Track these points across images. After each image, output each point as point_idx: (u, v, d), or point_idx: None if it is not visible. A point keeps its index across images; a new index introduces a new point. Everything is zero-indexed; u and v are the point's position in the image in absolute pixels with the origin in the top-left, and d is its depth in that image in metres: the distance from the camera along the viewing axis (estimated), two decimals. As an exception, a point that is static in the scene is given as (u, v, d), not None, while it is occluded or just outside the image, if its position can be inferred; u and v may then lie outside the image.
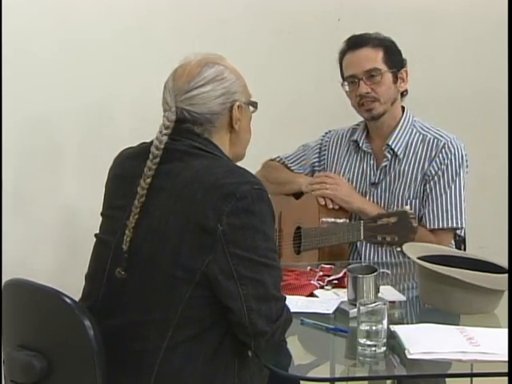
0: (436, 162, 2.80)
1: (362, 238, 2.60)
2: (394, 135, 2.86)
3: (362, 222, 2.61)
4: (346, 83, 2.85)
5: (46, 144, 3.41)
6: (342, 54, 2.87)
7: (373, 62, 2.80)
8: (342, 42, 2.87)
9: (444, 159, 2.80)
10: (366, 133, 2.94)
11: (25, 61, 3.29)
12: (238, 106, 1.99)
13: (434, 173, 2.80)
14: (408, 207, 2.52)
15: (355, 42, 2.84)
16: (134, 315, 1.88)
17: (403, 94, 2.89)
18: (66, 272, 3.11)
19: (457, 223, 2.79)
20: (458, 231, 2.83)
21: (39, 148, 3.39)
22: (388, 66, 2.81)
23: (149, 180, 1.88)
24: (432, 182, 2.80)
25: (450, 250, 2.66)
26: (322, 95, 3.73)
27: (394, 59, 2.83)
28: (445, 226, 2.78)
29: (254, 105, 2.07)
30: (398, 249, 2.54)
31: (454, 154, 2.80)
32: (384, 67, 2.80)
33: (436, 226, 2.78)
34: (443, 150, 2.80)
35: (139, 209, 1.88)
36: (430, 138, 2.84)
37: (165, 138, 1.90)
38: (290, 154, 3.12)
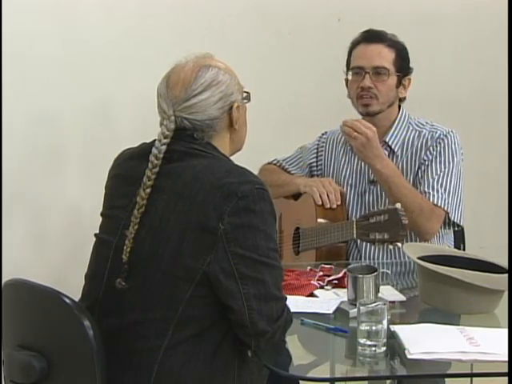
0: (430, 150, 2.83)
1: (355, 236, 2.60)
2: (391, 132, 2.87)
3: (354, 220, 2.61)
4: (350, 72, 2.85)
5: (47, 144, 3.40)
6: (355, 45, 2.88)
7: (383, 60, 2.82)
8: (358, 33, 2.87)
9: (437, 147, 2.82)
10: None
11: (26, 61, 3.28)
12: (237, 107, 1.99)
13: (426, 159, 2.82)
14: (399, 204, 2.51)
15: (371, 36, 2.85)
16: (134, 314, 1.88)
17: (401, 99, 2.90)
18: (66, 272, 3.11)
19: (442, 203, 2.76)
20: (452, 217, 2.79)
21: (40, 148, 3.38)
22: (396, 68, 2.83)
23: (148, 190, 1.88)
24: (423, 167, 2.82)
25: (450, 249, 2.66)
26: (322, 95, 3.73)
27: (403, 64, 2.85)
28: (434, 202, 2.75)
29: (248, 97, 2.07)
30: (391, 246, 2.54)
31: (448, 143, 2.82)
32: (392, 68, 2.82)
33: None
34: (438, 140, 2.83)
35: (139, 219, 1.88)
36: (425, 133, 2.86)
37: (164, 148, 1.90)
38: (287, 156, 3.12)
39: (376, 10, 3.74)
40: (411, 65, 2.89)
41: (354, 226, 2.59)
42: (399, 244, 2.50)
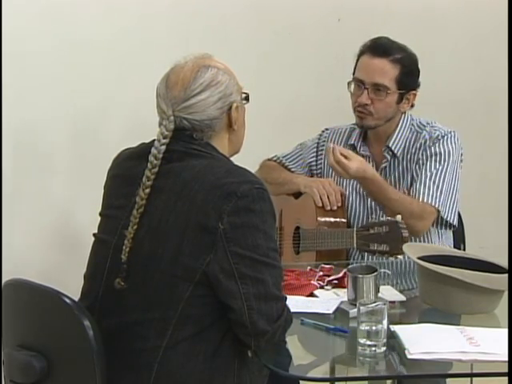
0: (426, 149, 2.82)
1: (355, 246, 2.60)
2: (394, 137, 2.86)
3: (354, 229, 2.61)
4: (353, 82, 2.83)
5: (42, 145, 3.40)
6: (362, 52, 2.82)
7: (384, 78, 2.76)
8: (369, 40, 2.82)
9: (433, 146, 2.82)
10: (364, 135, 2.93)
11: (20, 62, 3.27)
12: (236, 107, 1.99)
13: (421, 157, 2.82)
14: (399, 217, 2.50)
15: (378, 48, 2.78)
16: (134, 314, 1.88)
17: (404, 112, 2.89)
18: (66, 272, 3.11)
19: (432, 201, 2.75)
20: (443, 215, 2.79)
21: (36, 149, 3.38)
22: (398, 86, 2.78)
23: (147, 190, 1.89)
24: (417, 166, 2.82)
25: (450, 250, 2.66)
26: (322, 95, 3.72)
27: (407, 80, 2.79)
28: (424, 200, 2.75)
29: (247, 98, 2.06)
30: (391, 258, 2.53)
31: (444, 143, 2.81)
32: (393, 87, 2.77)
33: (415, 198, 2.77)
34: (435, 140, 2.82)
35: (138, 219, 1.88)
36: (425, 134, 2.86)
37: (163, 148, 1.90)
38: (287, 153, 3.10)
39: (376, 10, 3.74)
40: None
41: (354, 235, 2.59)
42: (400, 257, 2.50)
